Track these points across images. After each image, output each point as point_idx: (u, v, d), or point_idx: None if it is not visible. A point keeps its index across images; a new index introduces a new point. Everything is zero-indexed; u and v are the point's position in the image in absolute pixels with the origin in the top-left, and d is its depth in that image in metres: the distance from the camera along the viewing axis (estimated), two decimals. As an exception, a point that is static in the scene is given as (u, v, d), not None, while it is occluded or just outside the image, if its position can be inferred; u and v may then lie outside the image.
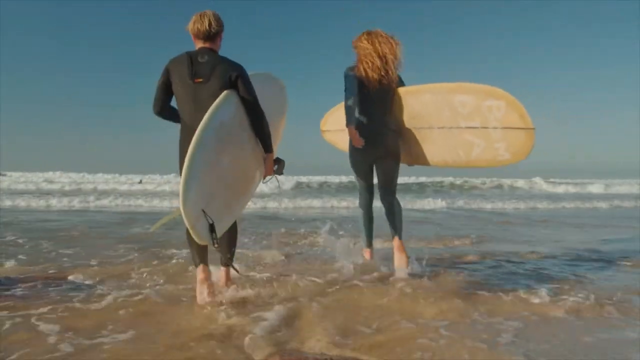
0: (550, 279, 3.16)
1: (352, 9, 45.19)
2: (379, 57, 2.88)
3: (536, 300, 2.60)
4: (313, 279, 2.99)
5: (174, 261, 3.73)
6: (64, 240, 4.92)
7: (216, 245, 2.22)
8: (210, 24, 2.52)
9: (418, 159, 3.16)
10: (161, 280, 3.02)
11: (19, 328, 2.14)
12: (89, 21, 43.09)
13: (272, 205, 10.29)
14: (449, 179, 22.37)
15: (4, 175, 22.14)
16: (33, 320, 2.24)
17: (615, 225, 7.09)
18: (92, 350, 1.88)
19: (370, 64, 2.88)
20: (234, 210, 2.57)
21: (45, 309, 2.41)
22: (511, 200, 12.78)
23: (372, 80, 2.89)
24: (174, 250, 4.13)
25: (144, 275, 3.15)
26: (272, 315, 2.27)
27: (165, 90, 2.57)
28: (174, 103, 2.61)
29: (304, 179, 21.27)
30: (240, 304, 2.47)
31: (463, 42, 48.34)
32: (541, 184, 22.72)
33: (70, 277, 3.15)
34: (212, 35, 2.55)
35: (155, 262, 3.65)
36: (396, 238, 3.05)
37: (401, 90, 3.09)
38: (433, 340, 1.98)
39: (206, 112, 2.30)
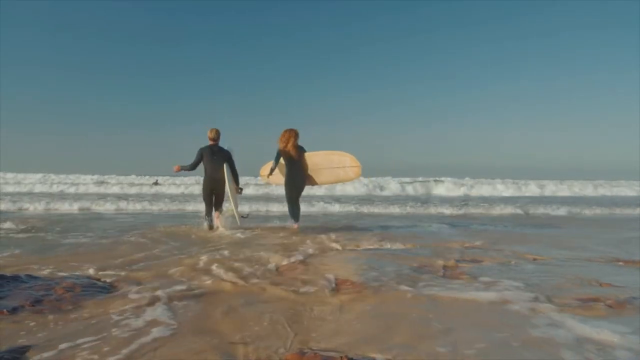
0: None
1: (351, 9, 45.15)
2: (290, 143, 6.50)
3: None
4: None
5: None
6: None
7: (243, 216, 6.74)
8: (216, 135, 6.43)
9: (315, 182, 6.91)
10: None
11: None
12: (93, 19, 43.53)
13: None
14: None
15: None
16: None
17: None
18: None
19: (285, 147, 6.52)
20: (237, 205, 6.61)
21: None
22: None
23: (289, 153, 6.54)
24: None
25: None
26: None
27: (200, 159, 6.38)
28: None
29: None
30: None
31: (464, 44, 47.86)
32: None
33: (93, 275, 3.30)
34: (217, 139, 6.46)
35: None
36: (297, 223, 6.69)
37: (308, 153, 6.76)
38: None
39: (218, 170, 6.36)
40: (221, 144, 6.52)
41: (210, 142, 6.40)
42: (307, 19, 46.81)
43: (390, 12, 45.76)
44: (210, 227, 6.46)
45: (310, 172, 6.78)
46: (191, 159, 6.43)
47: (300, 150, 6.60)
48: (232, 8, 45.28)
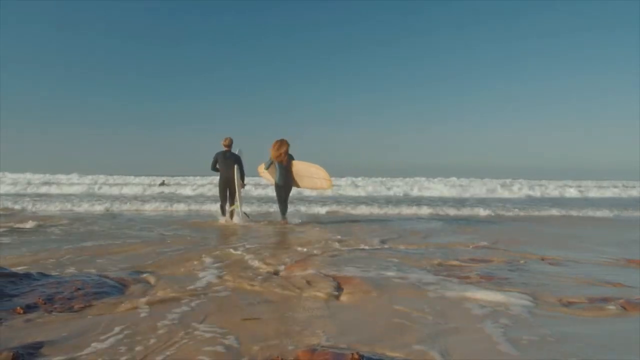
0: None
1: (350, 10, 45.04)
2: (281, 152, 7.83)
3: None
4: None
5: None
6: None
7: (243, 213, 7.96)
8: (229, 142, 7.86)
9: (299, 185, 8.24)
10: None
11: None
12: (95, 19, 43.41)
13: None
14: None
15: None
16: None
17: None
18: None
19: (277, 155, 7.84)
20: (241, 201, 8.00)
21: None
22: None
23: (281, 160, 7.84)
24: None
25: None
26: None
27: (216, 161, 7.78)
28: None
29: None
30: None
31: (464, 45, 47.44)
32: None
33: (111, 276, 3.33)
34: (229, 146, 7.87)
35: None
36: (285, 217, 7.99)
37: (294, 162, 8.04)
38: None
39: (230, 171, 7.73)
40: (233, 148, 7.87)
41: (225, 148, 7.77)
42: (307, 19, 46.65)
43: (390, 12, 45.49)
44: (225, 219, 7.77)
45: (294, 176, 8.21)
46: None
47: (290, 158, 7.99)
48: (232, 8, 45.22)
